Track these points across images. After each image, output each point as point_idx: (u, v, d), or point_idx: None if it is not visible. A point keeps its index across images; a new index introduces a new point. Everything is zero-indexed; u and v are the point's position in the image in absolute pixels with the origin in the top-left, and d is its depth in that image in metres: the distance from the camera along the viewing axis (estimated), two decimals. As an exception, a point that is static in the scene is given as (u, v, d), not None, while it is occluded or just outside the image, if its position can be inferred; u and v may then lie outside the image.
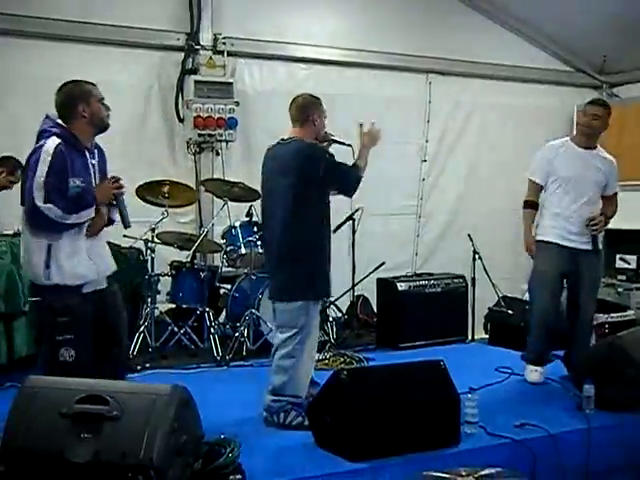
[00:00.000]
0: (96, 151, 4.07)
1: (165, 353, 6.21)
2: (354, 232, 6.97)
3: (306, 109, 4.62)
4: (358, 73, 8.09)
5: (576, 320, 5.40)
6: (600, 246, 5.44)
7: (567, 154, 5.39)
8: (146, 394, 3.17)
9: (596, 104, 5.43)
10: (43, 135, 3.88)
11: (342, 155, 4.69)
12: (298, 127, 4.62)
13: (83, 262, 3.91)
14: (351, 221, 6.94)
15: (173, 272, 6.58)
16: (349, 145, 4.78)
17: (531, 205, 5.51)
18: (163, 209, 6.33)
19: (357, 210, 6.90)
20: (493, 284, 6.98)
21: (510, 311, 6.97)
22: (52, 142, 3.80)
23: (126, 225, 4.16)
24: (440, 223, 8.63)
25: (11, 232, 5.94)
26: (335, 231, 6.83)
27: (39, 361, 4.06)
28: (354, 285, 7.07)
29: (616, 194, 5.49)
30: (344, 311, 7.24)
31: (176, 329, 6.40)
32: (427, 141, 8.50)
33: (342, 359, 6.09)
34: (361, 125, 4.76)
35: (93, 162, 4.01)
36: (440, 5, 8.35)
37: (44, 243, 3.83)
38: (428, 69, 8.41)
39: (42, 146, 3.80)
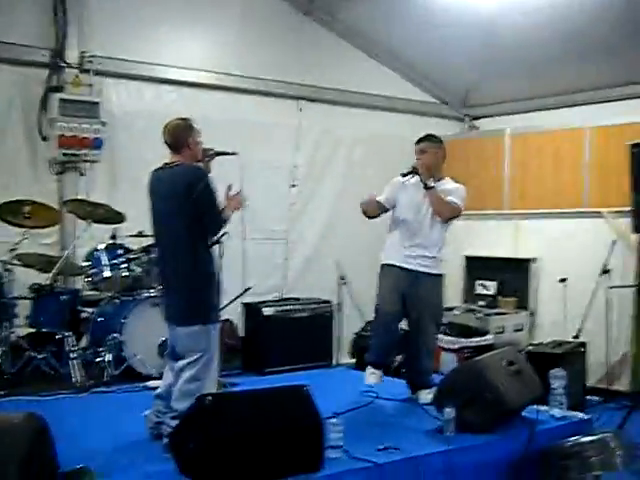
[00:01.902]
0: None
1: (22, 379, 5.96)
2: (221, 256, 6.90)
3: (178, 135, 4.60)
4: (228, 97, 8.06)
5: (415, 340, 5.63)
6: (438, 271, 5.62)
7: (408, 191, 5.63)
8: (-1, 422, 3.04)
9: (420, 141, 5.72)
10: None
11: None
12: (177, 154, 4.60)
13: None
14: (218, 245, 6.88)
15: (33, 295, 6.35)
16: (234, 153, 4.84)
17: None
18: (24, 230, 6.12)
19: (223, 234, 6.85)
20: (359, 309, 7.08)
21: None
22: None
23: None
24: (308, 248, 8.69)
25: None
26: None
27: None
28: (221, 309, 6.99)
29: (456, 204, 5.58)
30: (210, 336, 7.17)
31: (34, 354, 6.16)
32: (296, 167, 8.56)
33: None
34: (229, 187, 4.78)
35: None
36: (311, 34, 8.46)
37: None
38: (299, 96, 8.50)
39: None
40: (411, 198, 5.60)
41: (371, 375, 5.64)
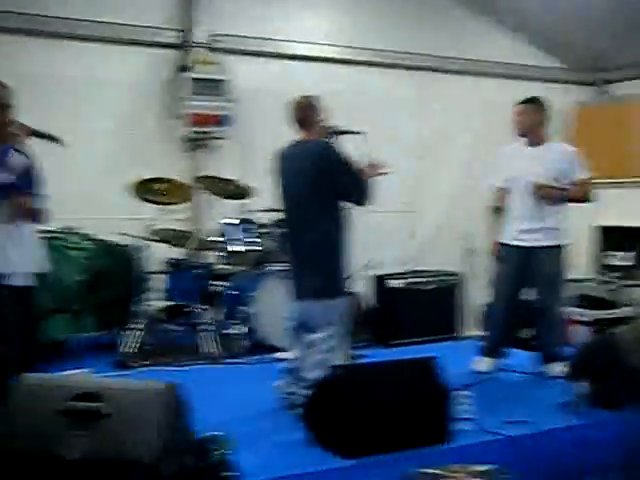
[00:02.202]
0: None
1: (159, 350, 6.21)
2: (348, 229, 6.93)
3: (306, 112, 4.67)
4: (353, 70, 8.06)
5: (541, 316, 5.57)
6: (558, 241, 5.49)
7: (513, 155, 5.63)
8: (139, 392, 3.19)
9: (519, 104, 5.62)
10: None
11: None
12: (305, 130, 4.67)
13: None
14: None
15: (169, 269, 6.58)
16: (359, 132, 4.80)
17: (497, 210, 5.75)
18: (159, 206, 6.35)
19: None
20: (486, 281, 6.97)
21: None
22: None
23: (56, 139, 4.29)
24: (434, 220, 8.62)
25: None
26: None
27: None
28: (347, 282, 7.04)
29: (584, 180, 5.51)
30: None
31: (170, 326, 6.41)
32: (420, 139, 8.49)
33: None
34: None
35: None
36: (433, 2, 8.36)
37: None
38: (420, 66, 8.40)
39: None
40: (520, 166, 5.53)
41: (480, 362, 5.63)
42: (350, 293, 5.20)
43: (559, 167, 5.45)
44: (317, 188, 4.52)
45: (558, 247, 5.50)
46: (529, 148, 5.55)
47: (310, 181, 4.52)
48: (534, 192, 5.37)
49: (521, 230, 5.48)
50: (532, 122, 5.53)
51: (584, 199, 5.56)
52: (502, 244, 5.60)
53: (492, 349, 5.65)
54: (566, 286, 5.77)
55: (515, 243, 5.51)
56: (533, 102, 5.59)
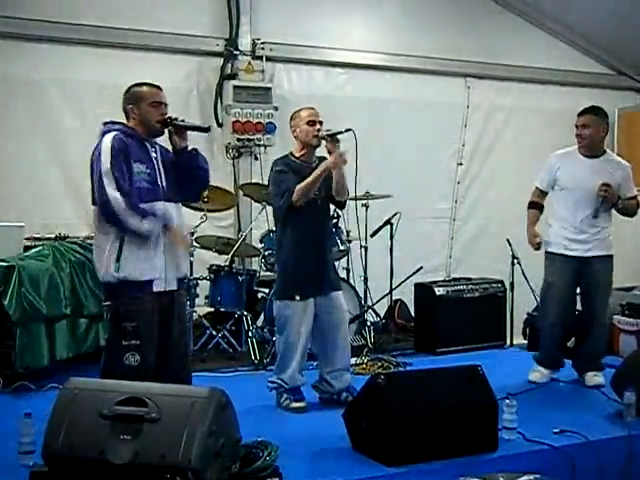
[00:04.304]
0: (157, 147, 4.10)
1: (203, 356, 6.25)
2: (392, 237, 6.94)
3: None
4: (395, 77, 8.07)
5: (588, 323, 5.47)
6: (610, 251, 5.43)
7: (572, 163, 5.46)
8: (185, 396, 3.20)
9: (583, 114, 5.45)
10: (101, 135, 3.95)
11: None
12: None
13: (155, 256, 3.93)
14: (389, 225, 6.92)
15: (212, 276, 6.61)
16: (348, 130, 4.80)
17: (534, 205, 5.65)
18: (202, 213, 6.39)
19: (395, 214, 6.88)
20: (532, 289, 6.91)
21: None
22: (109, 136, 3.89)
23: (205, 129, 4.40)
24: (474, 227, 8.60)
25: (53, 235, 6.04)
26: (373, 235, 6.87)
27: (102, 363, 4.03)
28: (392, 289, 7.05)
29: (635, 197, 5.47)
30: (382, 315, 7.23)
31: (214, 332, 6.46)
32: (463, 145, 8.46)
33: (379, 364, 6.07)
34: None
35: (154, 155, 4.03)
36: (477, 8, 8.34)
37: (113, 237, 3.87)
38: (466, 73, 8.38)
39: (100, 142, 3.89)
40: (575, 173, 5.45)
41: (534, 372, 5.55)
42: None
43: (618, 182, 5.37)
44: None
45: (610, 257, 5.44)
46: (589, 160, 5.41)
47: None
48: (600, 190, 5.24)
49: (574, 240, 5.37)
50: (598, 134, 5.38)
51: (633, 214, 5.54)
52: (552, 253, 5.48)
53: (548, 359, 5.56)
54: (611, 295, 5.70)
55: (568, 253, 5.40)
56: (597, 113, 5.43)
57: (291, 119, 5.00)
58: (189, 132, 4.16)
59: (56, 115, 6.76)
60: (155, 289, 3.94)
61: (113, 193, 3.77)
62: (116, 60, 6.89)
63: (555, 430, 4.22)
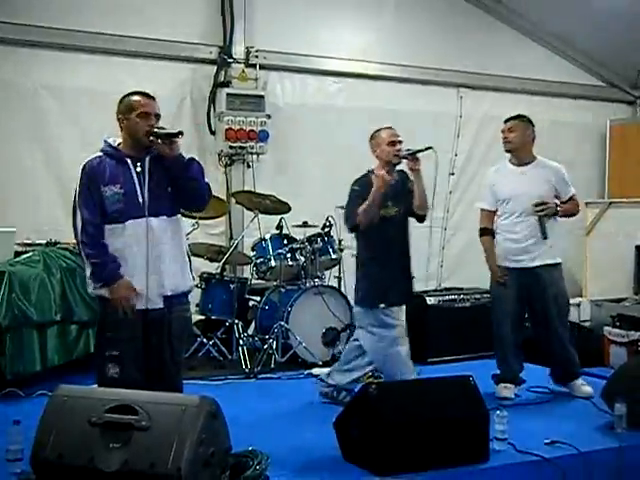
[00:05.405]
0: (147, 159, 3.93)
1: (194, 364, 6.22)
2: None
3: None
4: (389, 87, 8.09)
5: (548, 336, 5.41)
6: (556, 259, 5.41)
7: (504, 175, 5.49)
8: (175, 405, 3.18)
9: (508, 120, 5.53)
10: None
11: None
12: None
13: (135, 274, 3.86)
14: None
15: (203, 283, 6.60)
16: (428, 148, 4.85)
17: (486, 232, 5.56)
18: (194, 220, 6.38)
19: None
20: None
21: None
22: (85, 161, 3.88)
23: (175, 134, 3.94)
24: (466, 236, 8.58)
25: (44, 242, 6.02)
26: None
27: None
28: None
29: (572, 197, 5.48)
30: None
31: (205, 340, 6.43)
32: (456, 155, 8.47)
33: (370, 373, 6.06)
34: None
35: (139, 169, 3.90)
36: (472, 19, 8.38)
37: None
38: (459, 83, 8.41)
39: None
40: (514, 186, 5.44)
41: (503, 389, 5.43)
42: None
43: (555, 186, 5.40)
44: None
45: (557, 265, 5.43)
46: (520, 168, 5.44)
47: None
48: (536, 212, 5.26)
49: (521, 250, 5.35)
50: (524, 138, 5.45)
51: (575, 213, 5.59)
52: (498, 266, 5.43)
53: (513, 375, 5.48)
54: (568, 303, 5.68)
55: (513, 265, 5.38)
56: (522, 119, 5.51)
57: (371, 138, 5.00)
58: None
59: (49, 121, 6.75)
60: (137, 307, 3.88)
61: (78, 222, 3.82)
62: (110, 66, 6.89)
63: (546, 441, 4.20)
